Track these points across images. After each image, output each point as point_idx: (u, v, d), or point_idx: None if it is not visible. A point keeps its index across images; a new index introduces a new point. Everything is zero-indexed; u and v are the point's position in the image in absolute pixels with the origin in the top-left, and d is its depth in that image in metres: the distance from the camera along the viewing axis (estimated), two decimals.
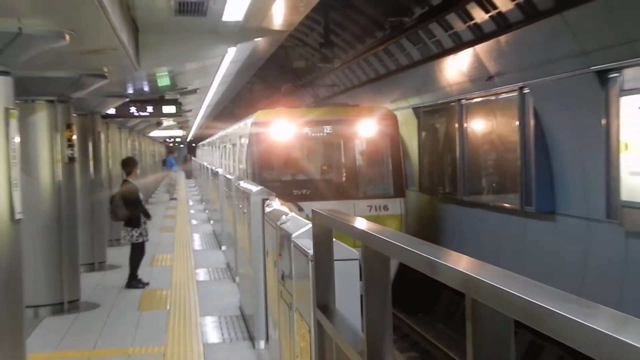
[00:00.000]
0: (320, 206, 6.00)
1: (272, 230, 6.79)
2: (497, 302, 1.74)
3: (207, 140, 51.60)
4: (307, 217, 5.80)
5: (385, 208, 16.07)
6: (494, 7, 14.49)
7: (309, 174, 16.81)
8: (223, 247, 18.73)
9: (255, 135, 16.68)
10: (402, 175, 17.18)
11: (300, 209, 14.84)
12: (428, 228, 19.60)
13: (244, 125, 18.72)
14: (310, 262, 4.21)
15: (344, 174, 17.27)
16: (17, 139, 8.12)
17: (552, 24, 12.77)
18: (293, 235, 5.02)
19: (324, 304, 3.95)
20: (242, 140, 18.42)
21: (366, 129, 16.81)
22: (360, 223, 3.54)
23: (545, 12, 13.01)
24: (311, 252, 4.22)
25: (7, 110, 7.92)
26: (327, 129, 16.62)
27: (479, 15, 15.32)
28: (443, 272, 2.14)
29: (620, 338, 1.29)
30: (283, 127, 16.35)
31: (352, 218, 3.87)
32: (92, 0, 6.92)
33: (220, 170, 22.06)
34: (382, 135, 17.03)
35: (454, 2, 15.16)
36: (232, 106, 35.51)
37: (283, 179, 16.54)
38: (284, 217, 6.33)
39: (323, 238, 4.09)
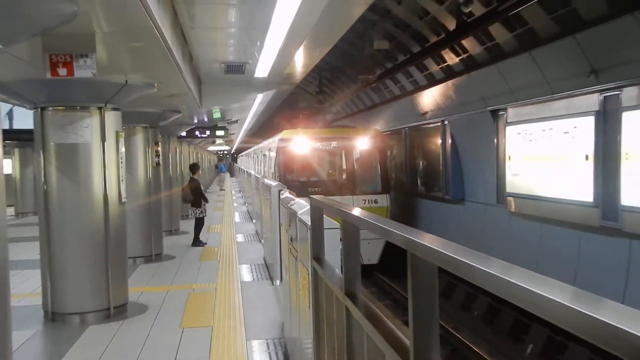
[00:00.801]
0: None
1: (284, 209, 6.54)
2: (426, 255, 1.63)
3: (244, 152, 48.30)
4: None
5: (376, 201, 15.89)
6: (427, 69, 14.24)
7: (320, 176, 16.65)
8: (254, 221, 18.49)
9: (281, 148, 16.47)
10: (387, 178, 16.73)
11: None
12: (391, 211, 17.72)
13: (273, 141, 18.28)
14: (309, 230, 4.03)
15: (345, 176, 16.86)
16: (123, 150, 8.20)
17: (464, 81, 12.65)
18: (298, 213, 4.87)
19: (318, 257, 3.78)
20: (272, 152, 18.14)
21: (362, 143, 16.56)
22: (339, 205, 3.39)
23: (457, 73, 12.96)
24: (309, 223, 4.03)
25: (117, 132, 7.97)
26: (333, 143, 16.55)
27: (417, 75, 15.04)
28: (392, 236, 1.94)
29: (508, 279, 1.19)
30: (301, 142, 16.38)
31: (334, 202, 3.71)
32: (173, 65, 7.02)
33: (252, 172, 21.71)
34: (373, 148, 16.61)
35: (401, 66, 14.87)
36: (261, 129, 34.93)
37: (301, 179, 16.43)
38: (292, 201, 6.15)
39: (317, 215, 3.91)
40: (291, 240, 5.40)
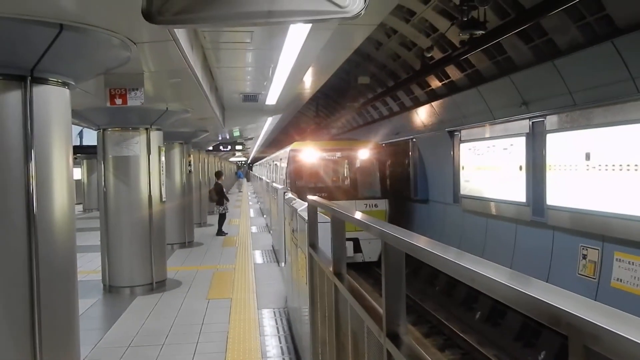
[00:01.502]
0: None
1: (288, 207, 6.35)
2: (396, 243, 1.58)
3: (258, 162, 46.12)
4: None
5: (376, 205, 14.30)
6: (399, 99, 14.22)
7: (326, 182, 14.99)
8: (264, 216, 18.36)
9: (292, 157, 14.82)
10: (386, 184, 14.80)
11: None
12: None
13: (284, 152, 16.34)
14: (306, 223, 3.90)
15: (349, 183, 15.14)
16: (164, 160, 8.33)
17: (427, 108, 12.60)
18: (298, 210, 4.74)
19: (313, 244, 3.68)
20: (283, 161, 16.24)
21: (363, 154, 14.82)
22: (329, 204, 3.31)
23: (422, 102, 12.87)
24: (307, 218, 3.90)
25: (159, 147, 8.08)
26: (338, 154, 15.00)
27: (392, 104, 15.00)
28: (371, 229, 1.88)
29: (459, 263, 1.19)
30: (310, 153, 14.86)
31: (326, 202, 3.60)
32: (202, 96, 7.09)
33: (264, 178, 22.02)
34: (373, 158, 14.84)
35: (379, 96, 14.66)
36: (271, 144, 34.45)
37: (309, 185, 14.64)
38: (293, 201, 6.07)
39: (313, 211, 3.78)
40: (293, 232, 5.35)
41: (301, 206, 4.80)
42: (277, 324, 6.39)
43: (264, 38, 5.69)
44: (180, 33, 3.87)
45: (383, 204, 14.46)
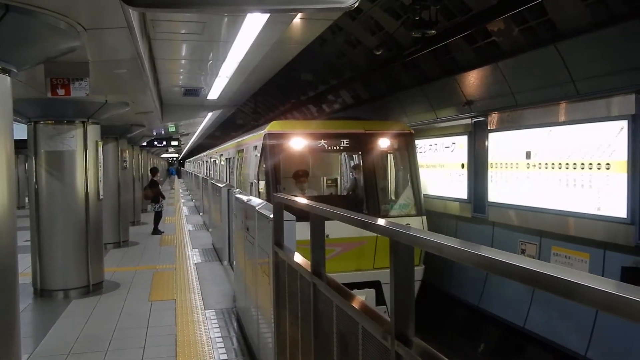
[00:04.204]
0: None
1: (240, 205, 5.86)
2: (404, 239, 1.52)
3: (192, 158, 45.19)
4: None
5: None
6: (341, 97, 14.08)
7: (324, 189, 10.22)
8: (201, 214, 17.94)
9: (269, 148, 8.05)
10: (420, 193, 8.54)
11: None
12: None
13: (253, 140, 9.60)
14: (270, 221, 3.71)
15: (363, 191, 8.59)
16: (101, 156, 8.03)
17: (371, 107, 12.52)
18: (257, 208, 4.46)
19: (278, 242, 3.54)
20: (248, 154, 10.06)
21: (384, 143, 8.48)
22: (303, 201, 3.17)
23: (366, 101, 12.88)
24: (271, 215, 3.69)
25: (96, 142, 7.82)
26: (344, 142, 8.36)
27: (333, 102, 14.80)
28: (373, 228, 1.75)
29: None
30: (297, 140, 8.20)
31: (294, 199, 3.43)
32: (146, 88, 6.99)
33: (200, 175, 21.33)
34: (402, 151, 8.81)
35: (321, 94, 14.33)
36: (206, 140, 33.76)
37: (297, 193, 8.47)
38: (247, 198, 5.73)
39: (279, 209, 3.61)
40: (247, 230, 5.13)
41: (259, 204, 4.67)
42: (226, 324, 6.26)
43: (215, 30, 5.52)
44: (135, 20, 3.66)
45: (418, 225, 8.09)
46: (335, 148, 8.50)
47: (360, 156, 8.71)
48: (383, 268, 7.61)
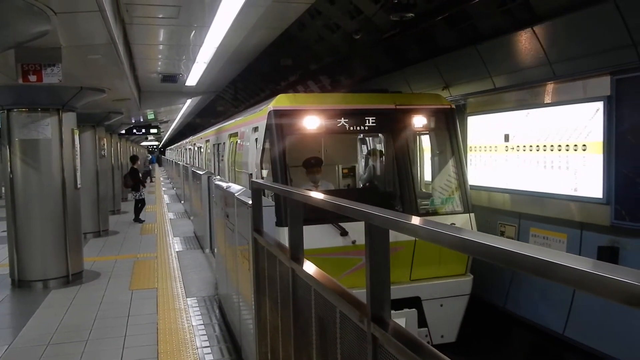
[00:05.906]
0: None
1: (219, 191, 5.72)
2: (380, 222, 1.49)
3: (173, 145, 44.24)
4: None
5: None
6: (321, 82, 14.19)
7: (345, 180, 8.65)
8: (182, 202, 17.79)
9: (276, 127, 5.93)
10: (466, 185, 6.86)
11: None
12: None
13: (254, 118, 7.16)
14: (249, 208, 3.60)
15: (394, 182, 6.78)
16: (78, 144, 7.92)
17: (353, 92, 13.50)
18: (236, 194, 4.35)
19: (258, 228, 3.48)
20: (245, 138, 7.97)
21: (420, 121, 6.66)
22: (279, 186, 2.90)
23: (346, 87, 13.11)
24: (250, 202, 3.57)
25: (72, 130, 7.70)
26: (370, 120, 6.40)
27: (314, 87, 14.49)
28: (349, 212, 1.70)
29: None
30: (311, 119, 6.27)
31: (272, 184, 3.20)
32: (122, 74, 6.89)
33: (180, 163, 21.03)
34: (443, 130, 6.96)
35: (300, 79, 14.17)
36: (185, 128, 33.31)
37: (308, 186, 6.86)
38: (226, 184, 5.62)
39: (257, 195, 3.53)
40: (227, 217, 5.01)
41: (238, 190, 4.59)
42: (208, 312, 6.26)
43: (192, 14, 5.43)
44: (107, 4, 3.57)
45: (466, 225, 6.59)
46: (358, 128, 6.40)
47: (390, 138, 6.79)
48: (423, 280, 6.19)
